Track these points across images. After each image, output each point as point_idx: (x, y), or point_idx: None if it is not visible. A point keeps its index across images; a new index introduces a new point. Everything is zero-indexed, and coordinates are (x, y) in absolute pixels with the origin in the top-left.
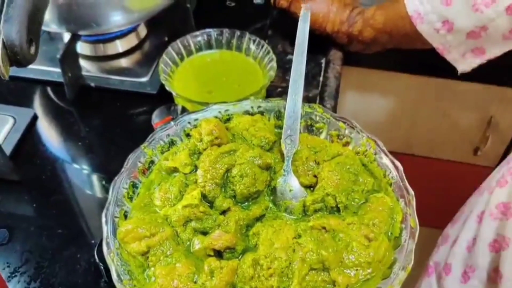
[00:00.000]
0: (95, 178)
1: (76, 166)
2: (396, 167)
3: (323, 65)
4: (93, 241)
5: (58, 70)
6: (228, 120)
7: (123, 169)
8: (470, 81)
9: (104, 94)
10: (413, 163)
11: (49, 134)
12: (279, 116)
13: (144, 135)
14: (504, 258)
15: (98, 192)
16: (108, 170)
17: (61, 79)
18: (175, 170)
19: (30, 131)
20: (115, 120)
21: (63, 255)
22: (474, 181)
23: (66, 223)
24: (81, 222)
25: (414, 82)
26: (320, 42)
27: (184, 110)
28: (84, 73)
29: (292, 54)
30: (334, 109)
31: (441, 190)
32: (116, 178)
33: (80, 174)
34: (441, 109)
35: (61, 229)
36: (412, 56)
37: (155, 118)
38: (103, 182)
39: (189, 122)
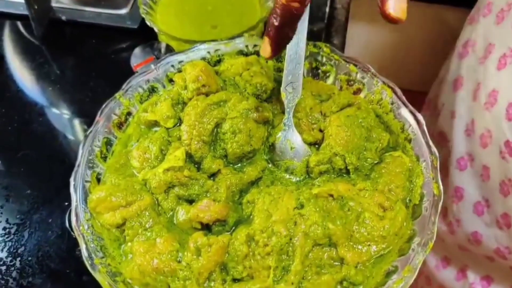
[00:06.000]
0: (69, 129)
1: (47, 115)
2: (417, 120)
3: None
4: (66, 203)
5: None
6: (219, 61)
7: (94, 123)
8: None
9: (77, 30)
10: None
11: (17, 77)
12: (278, 57)
13: (125, 78)
14: None
15: (73, 146)
16: (83, 121)
17: (27, 12)
18: (155, 123)
19: None
20: (91, 60)
21: (32, 219)
22: None
23: (36, 183)
24: (53, 181)
25: (435, 12)
26: None
27: (169, 49)
28: (54, 4)
29: None
30: (342, 46)
31: None
32: (87, 133)
33: (53, 124)
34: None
35: (30, 189)
36: None
37: (135, 59)
38: (78, 135)
39: (172, 65)
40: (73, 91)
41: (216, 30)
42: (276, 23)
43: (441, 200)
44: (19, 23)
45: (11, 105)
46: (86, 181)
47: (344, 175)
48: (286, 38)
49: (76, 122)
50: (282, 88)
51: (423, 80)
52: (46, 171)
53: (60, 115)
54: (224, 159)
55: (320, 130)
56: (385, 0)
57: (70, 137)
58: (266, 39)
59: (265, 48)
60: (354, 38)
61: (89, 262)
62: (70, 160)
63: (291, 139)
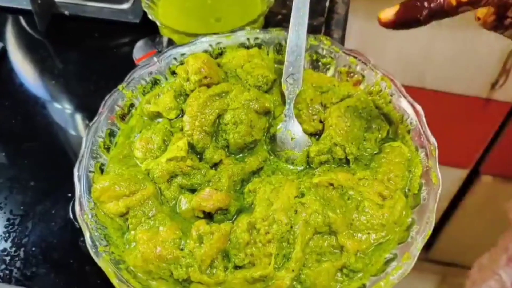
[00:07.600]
0: (72, 122)
1: (50, 108)
2: (416, 111)
3: None
4: (69, 195)
5: None
6: (220, 54)
7: (98, 114)
8: None
9: (80, 24)
10: (424, 97)
11: (20, 71)
12: (279, 49)
13: (127, 72)
14: None
15: (76, 139)
16: (86, 114)
17: (30, 7)
18: (158, 115)
19: None
20: (94, 54)
21: (36, 210)
22: (490, 117)
23: (40, 174)
24: (56, 173)
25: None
26: None
27: (171, 43)
28: None
29: None
30: (342, 39)
31: (452, 127)
32: (90, 124)
33: (56, 118)
34: (459, 38)
35: (34, 181)
36: None
37: (137, 53)
38: (81, 128)
39: (174, 58)
40: (76, 85)
41: (220, 23)
42: (427, 4)
43: (439, 189)
44: (21, 18)
45: (15, 98)
46: (90, 172)
47: (344, 165)
48: (410, 23)
49: (79, 115)
50: (283, 80)
51: (419, 75)
52: (49, 163)
53: (63, 109)
54: (226, 150)
55: (320, 121)
56: None
57: (73, 130)
58: (397, 8)
59: (389, 12)
60: (351, 34)
61: (93, 250)
62: (72, 153)
63: (291, 130)
